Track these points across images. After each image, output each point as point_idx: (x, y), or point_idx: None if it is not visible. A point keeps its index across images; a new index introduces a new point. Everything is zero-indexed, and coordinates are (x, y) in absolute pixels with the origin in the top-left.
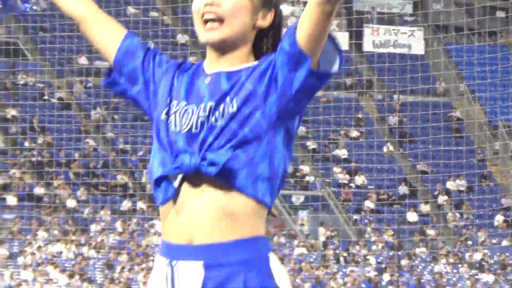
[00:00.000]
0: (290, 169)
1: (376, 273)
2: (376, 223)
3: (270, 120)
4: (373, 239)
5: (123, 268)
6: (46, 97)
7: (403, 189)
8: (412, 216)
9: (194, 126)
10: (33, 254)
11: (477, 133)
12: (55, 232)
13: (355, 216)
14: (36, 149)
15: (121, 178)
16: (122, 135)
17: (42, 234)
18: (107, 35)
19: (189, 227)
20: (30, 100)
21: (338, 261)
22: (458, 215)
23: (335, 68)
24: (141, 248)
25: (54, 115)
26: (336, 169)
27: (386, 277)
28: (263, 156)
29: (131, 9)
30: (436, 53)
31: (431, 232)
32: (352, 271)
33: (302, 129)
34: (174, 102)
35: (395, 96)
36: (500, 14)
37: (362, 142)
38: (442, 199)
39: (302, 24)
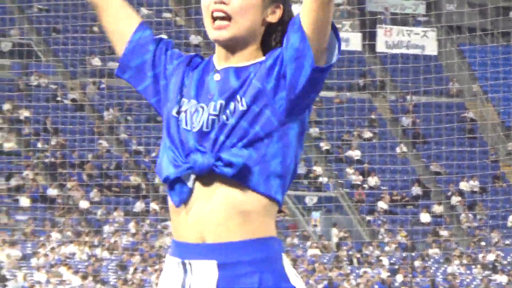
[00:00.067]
0: (303, 170)
1: (389, 274)
2: (389, 224)
3: (280, 117)
4: (386, 240)
5: (136, 269)
6: (59, 98)
7: (416, 190)
8: (425, 217)
9: (205, 125)
10: (46, 255)
11: (490, 134)
12: (68, 233)
13: (368, 217)
14: (49, 150)
15: (134, 179)
16: (135, 136)
17: (55, 235)
18: (121, 24)
19: (201, 226)
20: (43, 101)
21: (351, 262)
22: (471, 216)
23: (335, 57)
24: (154, 249)
25: (67, 116)
26: (349, 170)
27: (399, 278)
28: (275, 153)
29: (144, 10)
30: (449, 53)
31: (444, 233)
32: (365, 272)
33: (315, 130)
34: (185, 100)
35: (408, 97)
36: None
37: (375, 143)
38: (455, 200)
39: (304, 17)
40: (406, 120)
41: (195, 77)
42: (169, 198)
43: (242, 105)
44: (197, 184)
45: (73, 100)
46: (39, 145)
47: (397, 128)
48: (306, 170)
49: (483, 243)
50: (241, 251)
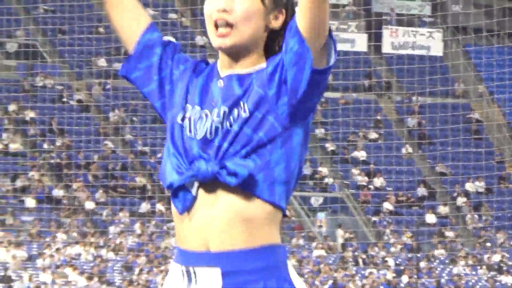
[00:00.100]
0: (309, 171)
1: (394, 275)
2: (395, 225)
3: (284, 122)
4: (391, 241)
5: (141, 270)
6: (65, 99)
7: (421, 191)
8: (430, 218)
9: (208, 132)
10: (51, 256)
11: (496, 134)
12: (74, 234)
13: (374, 218)
14: (55, 151)
15: (140, 180)
16: (141, 137)
17: (61, 236)
18: (130, 23)
19: (205, 234)
20: (49, 102)
21: (356, 263)
22: (476, 216)
23: (333, 58)
24: (160, 250)
25: (73, 117)
26: (355, 171)
27: (404, 279)
28: (279, 159)
29: (150, 11)
30: (455, 54)
31: (449, 234)
32: (370, 273)
33: (321, 131)
34: (189, 106)
35: (414, 98)
36: None
37: (381, 144)
38: (461, 200)
39: (300, 19)
40: (411, 121)
41: (199, 83)
42: (172, 205)
43: (245, 112)
44: (201, 191)
45: (79, 101)
46: (45, 146)
47: (403, 129)
48: (312, 171)
49: (488, 244)
50: (245, 259)
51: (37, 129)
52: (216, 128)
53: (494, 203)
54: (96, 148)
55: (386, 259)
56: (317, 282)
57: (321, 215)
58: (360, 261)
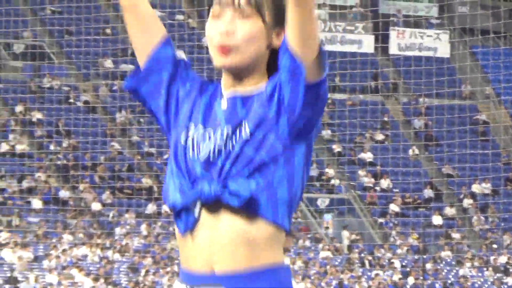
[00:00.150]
0: (315, 172)
1: (401, 276)
2: (401, 226)
3: (285, 142)
4: (398, 242)
5: (147, 271)
6: (71, 100)
7: (428, 193)
8: (437, 220)
9: (211, 153)
10: (58, 257)
11: (502, 136)
12: (80, 235)
13: (380, 220)
14: (62, 152)
15: (146, 182)
16: (148, 138)
17: (67, 237)
18: (145, 34)
19: (208, 255)
20: (56, 104)
21: (363, 264)
22: (483, 218)
23: (325, 70)
24: (166, 252)
25: (80, 119)
26: (361, 173)
27: (411, 280)
28: (282, 179)
29: (157, 12)
30: (462, 56)
31: (456, 235)
32: (377, 274)
33: (327, 132)
34: (192, 125)
35: (421, 99)
36: None
37: (388, 145)
38: (467, 202)
39: (289, 35)
40: (418, 123)
41: (203, 103)
42: (175, 226)
43: (246, 132)
44: (203, 212)
45: (86, 102)
46: (52, 147)
47: (410, 131)
48: (318, 172)
49: (495, 246)
50: (249, 280)
51: (43, 130)
52: (219, 149)
53: (501, 205)
54: (102, 149)
55: (392, 260)
56: (323, 284)
57: (327, 217)
58: (367, 262)
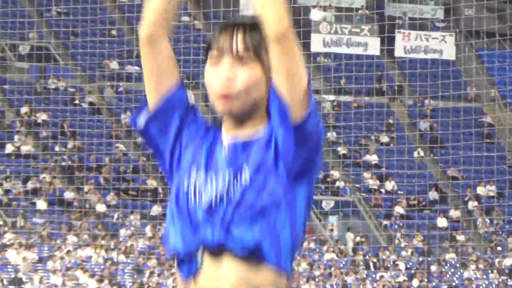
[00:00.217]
0: (320, 175)
1: (405, 278)
2: (406, 228)
3: (285, 185)
4: (403, 244)
5: (152, 273)
6: (76, 102)
7: (433, 195)
8: (442, 222)
9: (213, 200)
10: (62, 258)
11: (508, 138)
12: (85, 236)
13: (385, 222)
14: (67, 153)
15: (151, 183)
16: None
17: (71, 238)
18: (161, 76)
19: None
20: (61, 105)
21: (367, 266)
22: (488, 221)
23: (310, 106)
24: None
25: (85, 120)
26: (367, 175)
27: (415, 282)
28: (284, 223)
29: None
30: (467, 58)
31: (461, 237)
32: (381, 276)
33: (333, 135)
34: (194, 171)
35: (426, 102)
36: None
37: (393, 148)
38: (472, 205)
39: (274, 75)
40: (423, 125)
41: (205, 147)
42: (177, 272)
43: (246, 178)
44: (206, 258)
45: (91, 103)
46: (57, 148)
47: (415, 133)
48: (323, 175)
49: (499, 248)
50: None
51: (49, 131)
52: (221, 196)
53: (506, 207)
54: (107, 150)
55: (397, 262)
56: (328, 286)
57: (332, 219)
58: (371, 264)
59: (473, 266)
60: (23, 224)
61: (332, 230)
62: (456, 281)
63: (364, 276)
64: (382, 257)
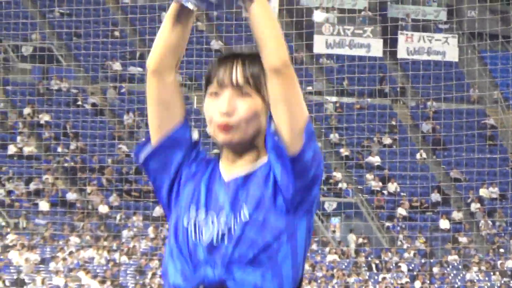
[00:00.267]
0: (323, 176)
1: (408, 280)
2: (409, 230)
3: (285, 218)
4: (405, 246)
5: (154, 274)
6: (79, 103)
7: (435, 197)
8: (444, 224)
9: (215, 238)
10: (64, 259)
11: (510, 141)
12: (87, 237)
13: (388, 223)
14: (69, 154)
15: None
16: None
17: (74, 239)
18: (166, 112)
19: None
20: (64, 106)
21: (370, 268)
22: (490, 223)
23: (307, 137)
24: None
25: (87, 121)
26: (369, 176)
27: (417, 284)
28: (286, 255)
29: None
30: (470, 60)
31: (463, 239)
32: (384, 278)
33: (335, 136)
34: (193, 209)
35: (429, 103)
36: None
37: (395, 149)
38: (474, 206)
39: (274, 107)
40: (426, 127)
41: (204, 184)
42: None
43: (245, 215)
44: None
45: (93, 104)
46: (59, 149)
47: (417, 135)
48: (326, 176)
49: (502, 250)
50: None
51: (51, 132)
52: (222, 234)
53: (508, 209)
54: (110, 151)
55: (399, 264)
56: (330, 287)
57: (334, 220)
58: (373, 266)
59: (475, 268)
60: (26, 225)
61: (334, 231)
62: (458, 283)
63: (366, 277)
64: (384, 258)
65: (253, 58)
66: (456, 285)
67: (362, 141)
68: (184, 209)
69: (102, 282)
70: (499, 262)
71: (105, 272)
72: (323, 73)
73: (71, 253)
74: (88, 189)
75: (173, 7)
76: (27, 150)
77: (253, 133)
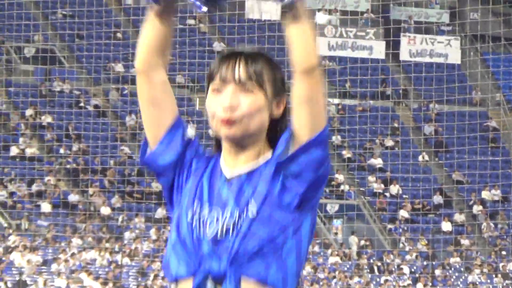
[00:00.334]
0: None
1: (410, 282)
2: (411, 232)
3: (292, 215)
4: (407, 248)
5: (156, 275)
6: (82, 104)
7: (438, 199)
8: (446, 226)
9: (219, 233)
10: (66, 261)
11: None
12: (89, 239)
13: (390, 226)
14: (71, 156)
15: (156, 186)
16: None
17: (76, 241)
18: (158, 113)
19: None
20: (66, 107)
21: (372, 270)
22: (492, 225)
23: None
24: None
25: (90, 123)
26: (371, 178)
27: (419, 286)
28: (291, 250)
29: None
30: (472, 62)
31: (465, 242)
32: (386, 280)
33: (337, 138)
34: (197, 204)
35: (431, 106)
36: None
37: (398, 152)
38: (477, 209)
39: (297, 107)
40: (428, 129)
41: (207, 180)
42: None
43: (252, 212)
44: (212, 283)
45: (96, 106)
46: (61, 151)
47: (420, 137)
48: (328, 178)
49: (504, 252)
50: None
51: (53, 134)
52: (227, 228)
53: (510, 212)
54: (112, 153)
55: (402, 266)
56: None
57: (336, 222)
58: (375, 268)
59: (477, 270)
60: (28, 227)
61: (336, 233)
62: (461, 285)
63: (368, 279)
64: (386, 261)
65: (255, 56)
66: (458, 287)
67: (364, 143)
68: (187, 204)
69: (104, 283)
70: (501, 265)
71: (107, 274)
72: (325, 75)
73: (73, 254)
74: (90, 190)
75: (154, 7)
76: (29, 151)
77: (255, 128)
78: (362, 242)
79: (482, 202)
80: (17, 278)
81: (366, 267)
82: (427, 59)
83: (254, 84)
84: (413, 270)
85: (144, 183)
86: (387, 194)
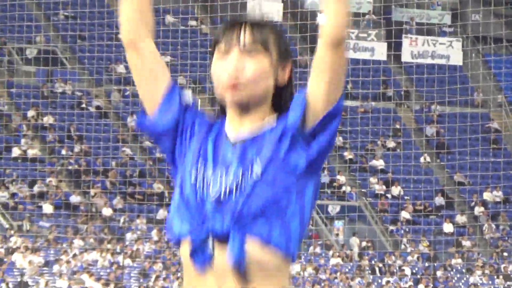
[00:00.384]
0: (326, 179)
1: (411, 284)
2: (412, 234)
3: (297, 177)
4: (408, 250)
5: (158, 277)
6: (83, 106)
7: (439, 200)
8: (448, 227)
9: (222, 193)
10: (68, 262)
11: None
12: (91, 240)
13: (391, 227)
14: (73, 157)
15: (158, 187)
16: None
17: (77, 242)
18: (151, 83)
19: (223, 284)
20: (68, 108)
21: (373, 271)
22: (494, 226)
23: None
24: (176, 257)
25: (92, 124)
26: (373, 180)
27: None
28: (294, 213)
29: (169, 18)
30: (474, 64)
31: (467, 243)
32: (387, 281)
33: (339, 139)
34: (201, 165)
35: (433, 107)
36: None
37: (399, 153)
38: (478, 210)
39: (317, 77)
40: (430, 130)
41: (211, 142)
42: (187, 266)
43: (257, 173)
44: (216, 245)
45: (98, 107)
46: (63, 152)
47: (421, 138)
48: (329, 179)
49: (505, 254)
50: None
51: (55, 135)
52: (230, 189)
53: None
54: (114, 154)
55: (403, 268)
56: None
57: (338, 224)
58: (377, 269)
59: (479, 272)
60: (29, 228)
61: (338, 235)
62: (462, 287)
63: (370, 281)
64: (388, 262)
65: (261, 24)
66: None
67: (366, 145)
68: (190, 165)
69: (106, 284)
70: (502, 266)
71: (109, 275)
72: None
73: (74, 255)
74: (92, 191)
75: None
76: (31, 152)
77: (261, 93)
78: (364, 244)
79: (484, 203)
80: (19, 279)
81: (367, 268)
82: (428, 61)
83: (259, 48)
84: (414, 271)
85: (146, 184)
86: (389, 196)
